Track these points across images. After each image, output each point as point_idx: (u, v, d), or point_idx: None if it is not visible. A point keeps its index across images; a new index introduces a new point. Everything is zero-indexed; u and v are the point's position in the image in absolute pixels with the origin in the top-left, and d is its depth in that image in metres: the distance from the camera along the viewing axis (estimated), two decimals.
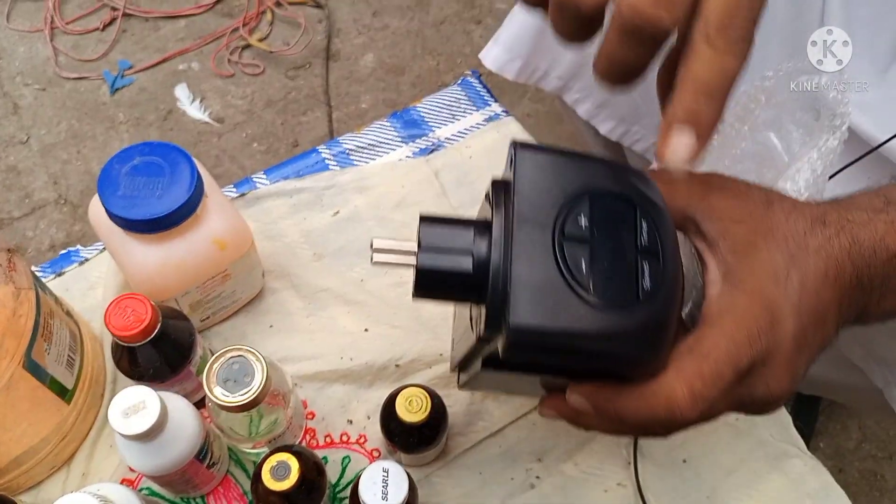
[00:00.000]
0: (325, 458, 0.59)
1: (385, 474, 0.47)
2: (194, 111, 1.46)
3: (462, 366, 0.44)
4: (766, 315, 0.35)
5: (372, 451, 0.59)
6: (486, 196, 0.36)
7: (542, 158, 0.34)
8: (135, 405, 0.45)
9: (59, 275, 0.65)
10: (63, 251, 0.67)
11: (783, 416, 0.63)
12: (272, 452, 0.49)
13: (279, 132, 1.45)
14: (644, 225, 0.34)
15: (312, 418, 0.60)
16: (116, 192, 0.52)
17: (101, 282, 0.64)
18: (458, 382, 0.46)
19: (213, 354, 0.49)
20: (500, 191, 0.35)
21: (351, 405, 0.61)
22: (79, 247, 0.67)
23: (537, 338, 0.32)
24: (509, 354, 0.32)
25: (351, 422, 0.60)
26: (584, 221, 0.33)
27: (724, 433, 0.61)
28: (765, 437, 0.61)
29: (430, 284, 0.34)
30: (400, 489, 0.46)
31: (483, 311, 0.34)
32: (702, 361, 0.34)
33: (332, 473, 0.58)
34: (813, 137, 0.47)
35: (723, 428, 0.61)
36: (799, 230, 0.37)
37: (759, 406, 0.37)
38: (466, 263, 0.33)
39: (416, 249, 0.34)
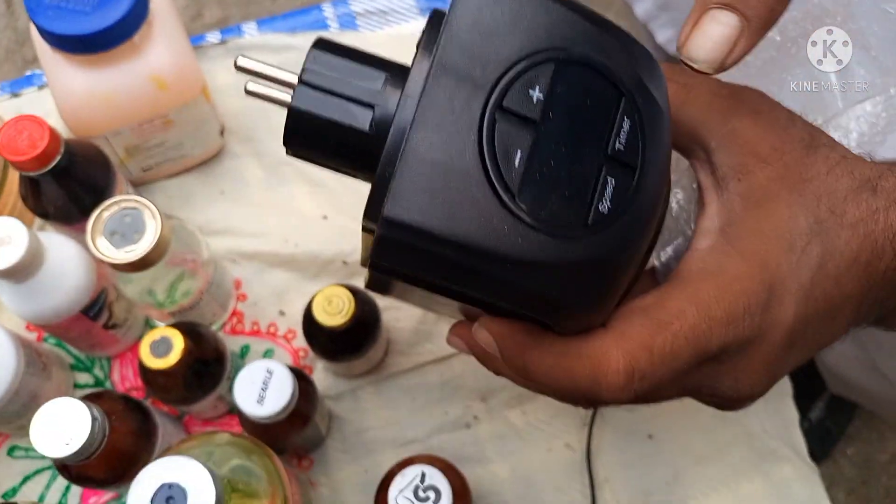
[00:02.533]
0: (246, 346, 0.53)
1: (267, 376, 0.40)
2: None
3: (366, 262, 0.35)
4: (762, 291, 0.26)
5: (298, 349, 0.53)
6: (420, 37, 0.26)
7: None
8: (0, 238, 0.39)
9: (16, 95, 0.60)
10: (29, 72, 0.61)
11: (787, 410, 0.53)
12: (159, 328, 0.43)
13: None
14: (625, 124, 0.24)
15: (244, 301, 0.54)
16: None
17: (55, 112, 0.59)
18: (364, 282, 0.37)
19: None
20: (436, 27, 0.24)
21: (287, 295, 0.54)
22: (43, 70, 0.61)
23: (417, 241, 0.22)
24: (378, 256, 0.23)
25: (283, 313, 0.54)
26: (537, 95, 0.23)
27: (704, 413, 0.51)
28: (754, 429, 0.51)
29: (306, 136, 0.24)
30: (281, 396, 0.40)
31: (370, 191, 0.24)
32: (656, 330, 0.25)
33: None
34: (885, 80, 0.35)
35: (705, 408, 0.50)
36: (839, 190, 0.27)
37: (718, 401, 0.29)
38: (363, 118, 0.24)
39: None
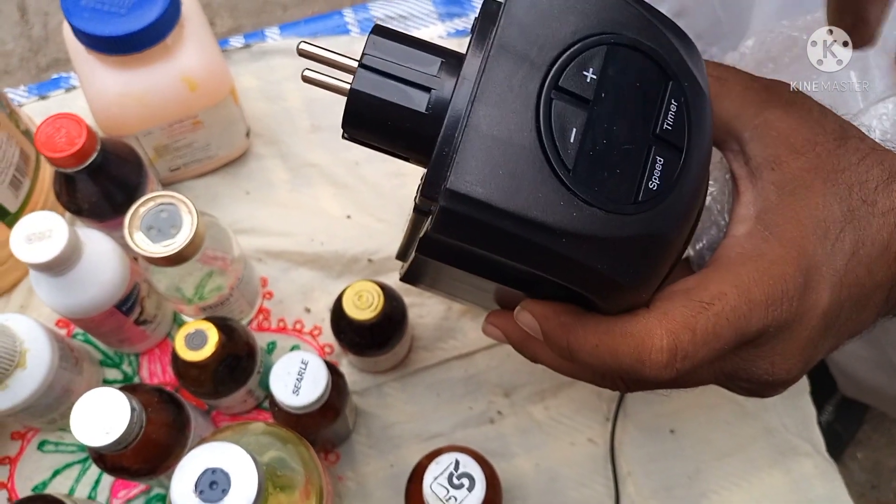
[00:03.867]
0: (273, 342, 0.53)
1: (302, 367, 0.41)
2: None
3: (404, 252, 0.36)
4: (799, 276, 0.26)
5: (324, 346, 0.54)
6: (474, 23, 0.27)
7: None
8: (40, 232, 0.40)
9: (43, 98, 0.61)
10: (55, 75, 0.63)
11: (806, 406, 0.54)
12: (194, 321, 0.44)
13: None
14: (672, 106, 0.25)
15: (270, 299, 0.55)
16: (80, 0, 0.46)
17: (83, 113, 0.60)
18: (400, 273, 0.38)
19: None
20: (490, 17, 0.25)
21: (313, 293, 0.55)
22: (71, 72, 0.62)
23: (478, 214, 0.23)
24: (439, 231, 0.24)
25: (309, 310, 0.54)
26: (591, 76, 0.24)
27: (725, 409, 0.52)
28: (774, 425, 0.52)
29: (365, 117, 0.25)
30: (316, 386, 0.40)
31: (427, 169, 0.25)
32: (699, 310, 0.26)
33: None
34: None
35: (725, 403, 0.52)
36: (870, 181, 0.28)
37: (753, 386, 0.29)
38: (420, 100, 0.25)
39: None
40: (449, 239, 0.24)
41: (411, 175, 0.59)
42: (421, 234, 0.28)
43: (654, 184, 0.24)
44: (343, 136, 0.26)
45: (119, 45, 0.46)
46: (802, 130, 0.28)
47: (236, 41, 0.62)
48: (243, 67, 0.61)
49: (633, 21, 0.25)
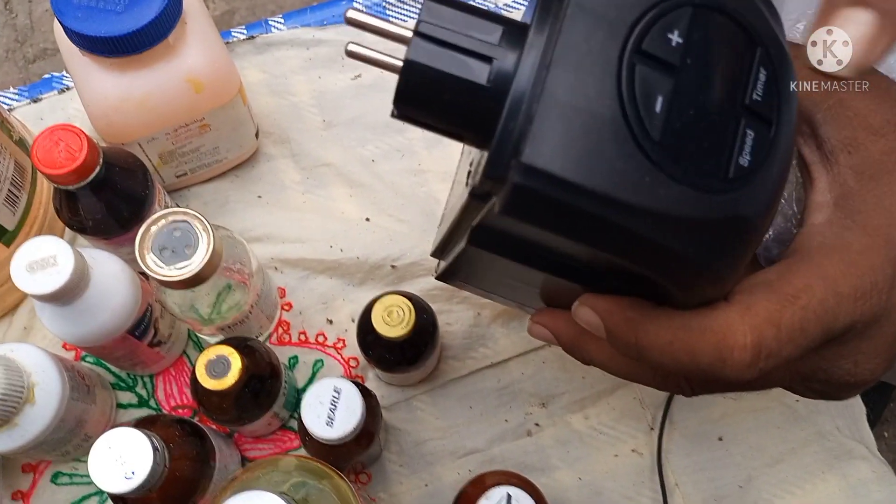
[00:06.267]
0: (294, 357, 0.50)
1: (335, 395, 0.38)
2: None
3: (444, 247, 0.33)
4: (888, 266, 0.24)
5: (349, 359, 0.51)
6: None
7: None
8: (43, 259, 0.36)
9: (36, 101, 0.57)
10: (46, 75, 0.59)
11: (856, 406, 0.51)
12: (213, 345, 0.40)
13: None
14: (762, 74, 0.22)
15: (289, 310, 0.52)
16: None
17: (80, 116, 0.56)
18: (435, 271, 0.35)
19: None
20: None
21: (335, 302, 0.52)
22: (63, 72, 0.58)
23: (557, 192, 0.20)
24: (509, 211, 0.21)
25: (331, 322, 0.51)
26: (676, 39, 0.21)
27: (775, 413, 0.50)
28: (827, 429, 0.49)
29: (420, 91, 0.23)
30: (351, 415, 0.37)
31: (491, 146, 0.22)
32: (784, 304, 0.23)
33: (300, 377, 0.50)
34: None
35: (775, 406, 0.50)
36: None
37: (828, 388, 0.27)
38: (480, 71, 0.22)
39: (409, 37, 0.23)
40: (520, 220, 0.22)
41: (430, 172, 0.55)
42: (475, 223, 0.26)
43: (744, 160, 0.22)
44: (392, 115, 0.24)
45: (117, 46, 0.42)
46: (881, 110, 0.26)
47: (238, 32, 0.58)
48: (247, 61, 0.57)
49: None
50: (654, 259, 0.22)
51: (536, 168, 0.20)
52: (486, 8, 0.24)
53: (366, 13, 0.24)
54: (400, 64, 0.23)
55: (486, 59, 0.22)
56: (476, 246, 0.26)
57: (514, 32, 0.22)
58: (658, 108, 0.21)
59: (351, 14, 0.24)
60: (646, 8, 0.21)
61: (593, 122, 0.20)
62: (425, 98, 0.23)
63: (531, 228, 0.22)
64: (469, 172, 0.27)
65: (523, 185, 0.20)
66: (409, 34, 0.22)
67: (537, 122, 0.20)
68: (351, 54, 0.24)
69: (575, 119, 0.20)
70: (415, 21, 0.23)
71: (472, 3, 0.24)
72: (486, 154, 0.23)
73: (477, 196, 0.24)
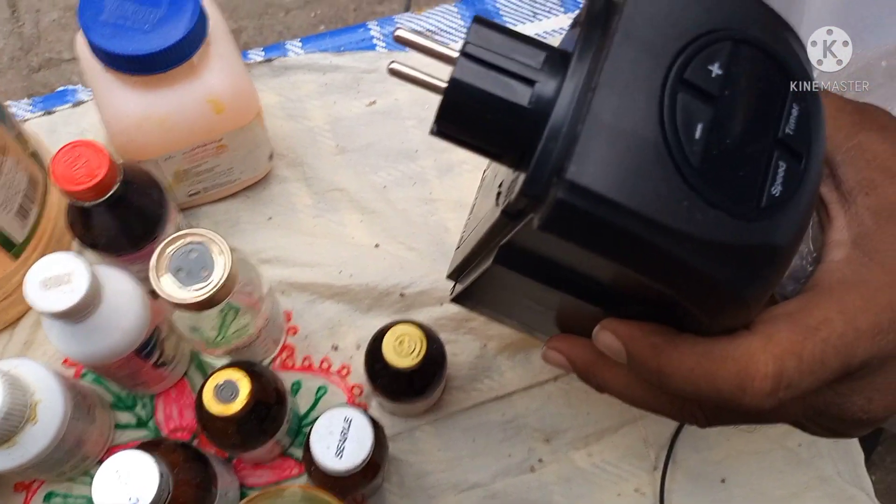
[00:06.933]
0: (297, 382, 0.50)
1: (346, 425, 0.37)
2: None
3: (462, 269, 0.33)
4: None
5: (353, 387, 0.50)
6: (576, 20, 0.25)
7: None
8: (58, 276, 0.36)
9: (49, 113, 0.57)
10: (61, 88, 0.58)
11: (855, 452, 0.51)
12: (222, 368, 0.40)
13: (350, 18, 1.33)
14: (794, 109, 0.23)
15: (294, 334, 0.51)
16: (99, 15, 0.42)
17: (93, 130, 0.56)
18: (451, 293, 0.35)
19: None
20: (596, 14, 0.23)
21: (340, 329, 0.51)
22: (78, 85, 0.58)
23: (599, 210, 0.21)
24: (550, 227, 0.22)
25: (336, 348, 0.51)
26: (716, 71, 0.22)
27: (777, 457, 0.50)
28: (829, 474, 0.50)
29: (463, 110, 0.24)
30: (361, 447, 0.37)
31: (530, 166, 0.23)
32: (806, 335, 0.24)
33: (303, 403, 0.50)
34: None
35: (777, 449, 0.50)
36: None
37: (839, 426, 0.27)
38: (523, 93, 0.23)
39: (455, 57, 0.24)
40: (559, 237, 0.22)
41: (441, 201, 0.56)
42: (503, 241, 0.26)
43: (776, 189, 0.23)
44: (432, 132, 0.25)
45: (142, 65, 0.42)
46: None
47: (256, 55, 0.59)
48: (264, 83, 0.57)
49: (755, 17, 0.23)
50: (686, 282, 0.23)
51: (580, 185, 0.21)
52: (526, 35, 0.25)
53: (414, 32, 0.25)
54: (440, 84, 0.24)
55: (529, 82, 0.23)
56: (502, 265, 0.27)
57: (556, 58, 0.24)
58: (698, 135, 0.22)
59: (400, 33, 0.25)
60: (689, 40, 0.22)
61: (636, 144, 0.21)
62: (467, 116, 0.24)
63: (564, 246, 0.23)
64: (499, 193, 0.27)
65: (566, 202, 0.21)
66: (455, 55, 0.23)
67: (582, 141, 0.21)
68: (394, 72, 0.25)
69: (618, 141, 0.21)
70: (460, 43, 0.24)
71: (513, 29, 0.25)
72: (520, 174, 0.24)
73: (509, 214, 0.25)
